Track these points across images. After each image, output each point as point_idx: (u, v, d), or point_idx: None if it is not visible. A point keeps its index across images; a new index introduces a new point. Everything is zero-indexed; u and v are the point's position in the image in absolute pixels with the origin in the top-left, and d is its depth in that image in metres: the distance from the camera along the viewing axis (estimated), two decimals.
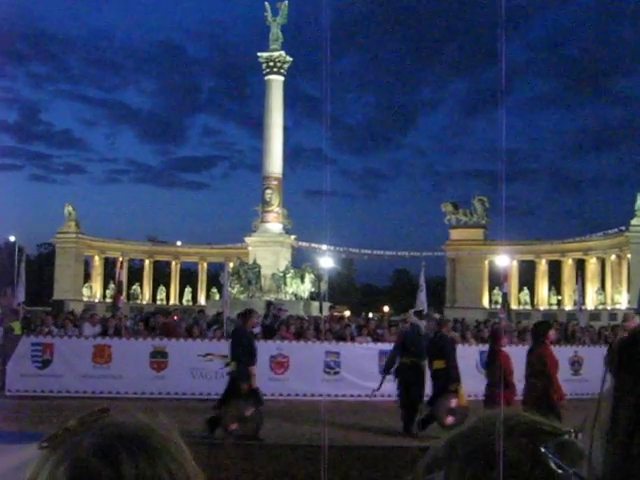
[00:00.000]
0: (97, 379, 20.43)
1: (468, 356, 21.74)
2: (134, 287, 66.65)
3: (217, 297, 55.46)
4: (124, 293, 48.31)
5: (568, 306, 59.15)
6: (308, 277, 45.16)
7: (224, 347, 20.29)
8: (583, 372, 22.56)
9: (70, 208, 64.14)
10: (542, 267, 64.44)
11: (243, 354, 15.23)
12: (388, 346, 21.84)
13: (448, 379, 15.88)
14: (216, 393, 18.93)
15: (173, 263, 70.08)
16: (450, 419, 14.93)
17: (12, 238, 48.27)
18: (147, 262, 69.75)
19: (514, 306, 56.70)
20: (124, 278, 33.29)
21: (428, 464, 1.20)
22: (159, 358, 20.96)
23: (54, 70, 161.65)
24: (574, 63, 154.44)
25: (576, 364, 23.05)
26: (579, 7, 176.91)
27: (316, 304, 41.84)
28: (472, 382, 21.05)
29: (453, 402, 15.46)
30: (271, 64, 46.64)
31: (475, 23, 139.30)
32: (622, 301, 56.57)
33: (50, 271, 65.03)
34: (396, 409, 16.64)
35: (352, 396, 20.80)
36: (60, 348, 21.00)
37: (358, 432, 15.98)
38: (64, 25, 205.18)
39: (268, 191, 46.42)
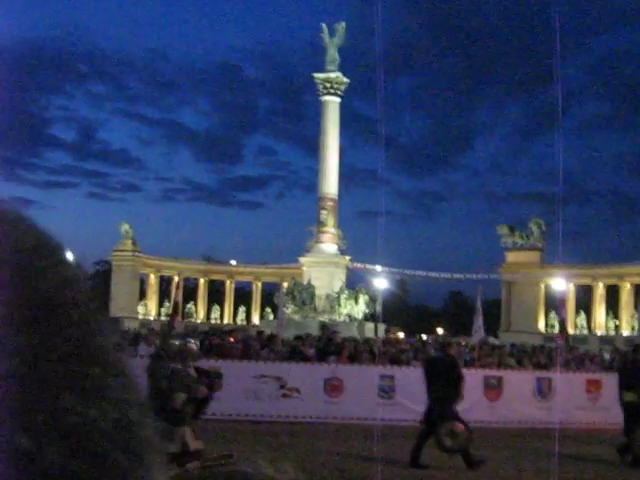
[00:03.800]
0: None
1: (525, 382, 21.43)
2: (189, 305, 67.18)
3: (271, 317, 55.62)
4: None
5: (626, 331, 58.15)
6: (362, 298, 45.03)
7: (278, 368, 20.28)
8: None
9: (127, 226, 64.96)
10: (599, 291, 63.43)
11: None
12: None
13: None
14: (270, 415, 18.93)
15: (227, 282, 70.45)
16: None
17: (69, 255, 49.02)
18: (202, 281, 70.23)
19: (570, 330, 55.89)
20: (180, 298, 33.40)
21: None
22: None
23: (112, 89, 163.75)
24: (632, 84, 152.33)
25: None
26: (637, 28, 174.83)
27: (370, 325, 41.65)
28: (528, 409, 20.78)
29: None
30: (327, 85, 46.75)
31: (532, 45, 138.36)
32: None
33: (106, 288, 65.78)
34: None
35: (406, 421, 20.56)
36: None
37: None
38: (122, 45, 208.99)
39: (323, 212, 46.45)
